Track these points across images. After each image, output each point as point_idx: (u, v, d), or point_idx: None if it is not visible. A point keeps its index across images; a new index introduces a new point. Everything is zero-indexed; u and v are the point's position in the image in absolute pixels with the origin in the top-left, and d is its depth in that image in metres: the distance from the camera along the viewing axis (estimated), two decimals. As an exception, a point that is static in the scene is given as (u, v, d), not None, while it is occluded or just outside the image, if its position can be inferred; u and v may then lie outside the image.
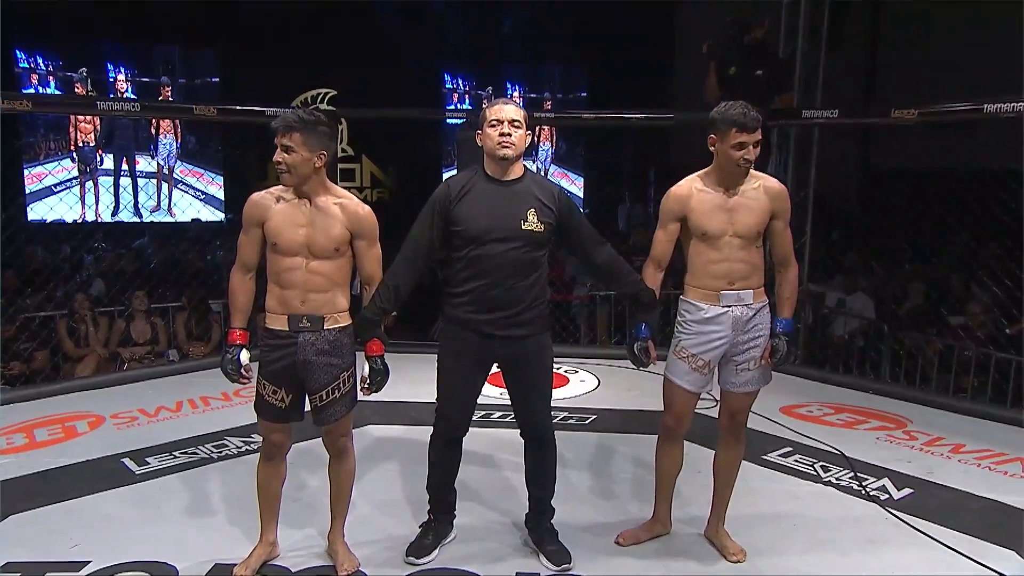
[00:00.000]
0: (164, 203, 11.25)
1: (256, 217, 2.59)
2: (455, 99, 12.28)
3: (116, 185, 10.93)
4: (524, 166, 2.72)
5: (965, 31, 8.13)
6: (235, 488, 3.33)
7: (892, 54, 9.62)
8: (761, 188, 2.72)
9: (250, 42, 10.37)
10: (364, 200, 2.68)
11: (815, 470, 3.69)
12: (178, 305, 6.19)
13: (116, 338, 5.92)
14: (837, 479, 3.59)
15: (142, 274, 6.51)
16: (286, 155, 2.50)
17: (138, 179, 11.10)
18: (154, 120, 10.82)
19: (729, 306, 2.72)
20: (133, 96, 10.52)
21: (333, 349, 2.59)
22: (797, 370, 5.31)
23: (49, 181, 10.50)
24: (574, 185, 12.76)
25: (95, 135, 10.76)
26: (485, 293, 2.63)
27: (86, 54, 10.58)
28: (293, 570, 2.76)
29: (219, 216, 11.36)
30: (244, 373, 2.65)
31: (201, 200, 11.42)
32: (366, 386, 2.67)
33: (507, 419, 3.85)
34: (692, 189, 2.75)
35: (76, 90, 10.36)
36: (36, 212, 10.34)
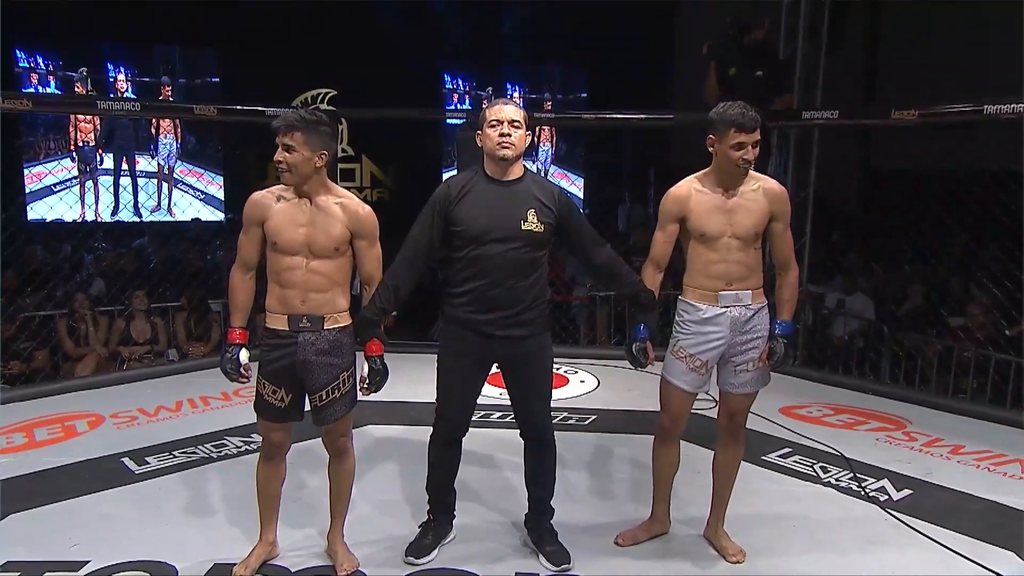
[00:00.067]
0: (164, 203, 11.26)
1: (256, 216, 2.59)
2: (455, 99, 12.29)
3: (116, 185, 10.94)
4: (524, 166, 2.72)
5: (965, 31, 8.13)
6: (235, 488, 3.33)
7: (892, 54, 9.62)
8: (760, 190, 2.72)
9: (250, 42, 10.38)
10: (364, 200, 2.68)
11: (815, 471, 3.69)
12: (178, 305, 6.19)
13: (116, 338, 5.92)
14: (836, 480, 3.59)
15: (142, 274, 6.51)
16: (287, 154, 2.50)
17: (138, 179, 11.10)
18: (154, 120, 10.83)
19: (727, 307, 2.72)
20: (133, 96, 10.52)
21: (333, 349, 2.59)
22: (797, 371, 5.31)
23: (49, 181, 10.51)
24: (574, 186, 12.76)
25: (95, 135, 10.76)
26: (485, 293, 2.63)
27: (86, 54, 10.58)
28: (292, 570, 2.76)
29: (219, 216, 11.36)
30: (243, 372, 2.65)
31: (201, 200, 11.42)
32: (365, 386, 2.67)
33: (507, 419, 3.85)
34: (691, 190, 2.75)
35: (76, 90, 10.36)
36: (36, 212, 10.35)
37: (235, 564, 2.70)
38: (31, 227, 9.62)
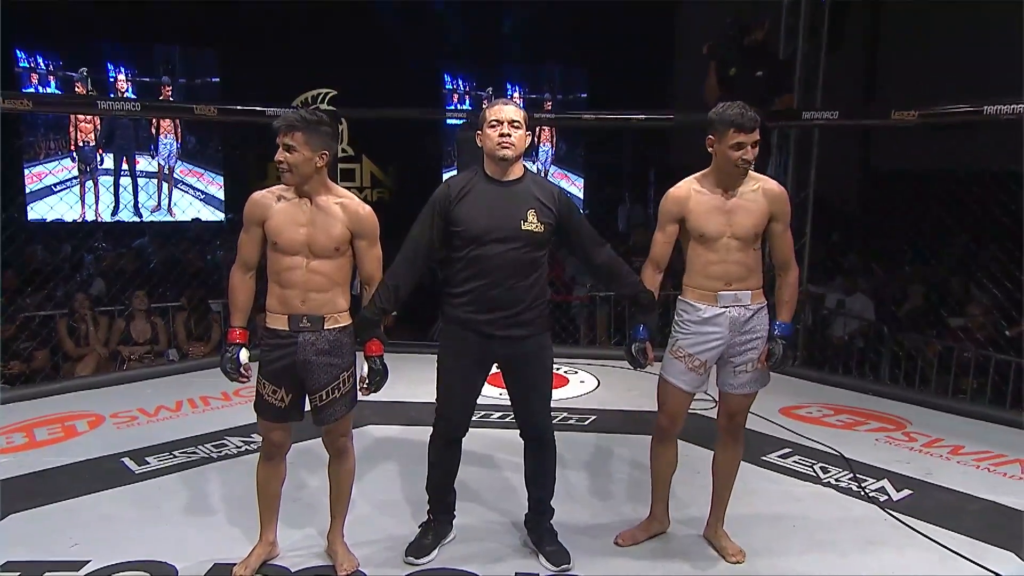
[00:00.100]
0: (164, 203, 11.26)
1: (257, 216, 2.60)
2: (455, 99, 12.29)
3: (116, 185, 10.94)
4: (524, 166, 2.72)
5: (965, 31, 8.13)
6: (235, 488, 3.33)
7: (892, 54, 9.62)
8: (760, 190, 2.72)
9: (250, 42, 10.38)
10: (364, 200, 2.68)
11: (814, 471, 3.70)
12: (178, 305, 6.19)
13: (116, 338, 5.93)
14: (836, 480, 3.59)
15: (142, 274, 6.51)
16: (288, 154, 2.50)
17: (138, 179, 11.11)
18: (154, 120, 10.83)
19: (726, 307, 2.72)
20: (133, 96, 10.52)
21: (333, 349, 2.59)
22: (797, 371, 5.31)
23: (49, 180, 10.51)
24: (574, 186, 12.77)
25: (95, 135, 10.76)
26: (485, 293, 2.63)
27: (86, 54, 10.59)
28: (292, 570, 2.76)
29: (219, 216, 11.36)
30: (243, 372, 2.65)
31: (201, 200, 11.43)
32: (365, 386, 2.68)
33: (507, 419, 3.85)
34: (690, 191, 2.75)
35: (76, 90, 10.36)
36: (36, 211, 10.35)
37: (235, 564, 2.70)
38: (31, 227, 9.62)
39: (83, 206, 10.67)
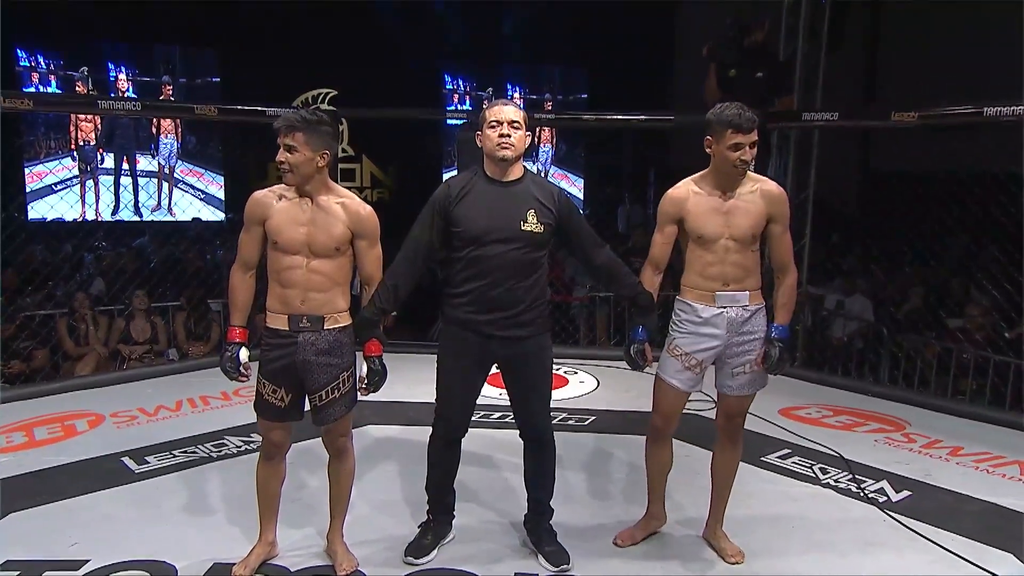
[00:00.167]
0: (164, 202, 11.27)
1: (257, 215, 2.60)
2: (455, 100, 12.30)
3: (116, 184, 10.94)
4: (524, 167, 2.72)
5: (965, 31, 8.13)
6: (234, 487, 3.33)
7: (892, 54, 9.62)
8: (758, 191, 2.72)
9: (250, 42, 10.39)
10: (364, 200, 2.68)
11: (813, 472, 3.70)
12: (178, 304, 6.20)
13: (116, 337, 5.93)
14: (835, 481, 3.59)
15: (142, 273, 6.51)
16: (289, 155, 2.50)
17: (139, 178, 11.11)
18: (155, 120, 10.83)
19: (724, 307, 2.72)
20: (134, 95, 10.53)
21: (333, 349, 2.60)
22: (796, 372, 5.31)
23: (50, 180, 10.52)
24: (574, 187, 12.77)
25: (96, 134, 10.77)
26: (485, 294, 2.63)
27: (87, 53, 10.59)
28: (292, 569, 2.76)
29: (219, 216, 11.37)
30: (243, 371, 2.66)
31: (201, 200, 11.43)
32: (364, 386, 2.68)
33: (506, 420, 3.85)
34: (689, 192, 2.75)
35: (77, 89, 10.36)
36: (36, 211, 10.35)
37: (234, 564, 2.71)
38: (31, 226, 9.62)
39: (83, 205, 10.68)
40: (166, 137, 11.16)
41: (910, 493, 3.47)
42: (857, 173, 10.13)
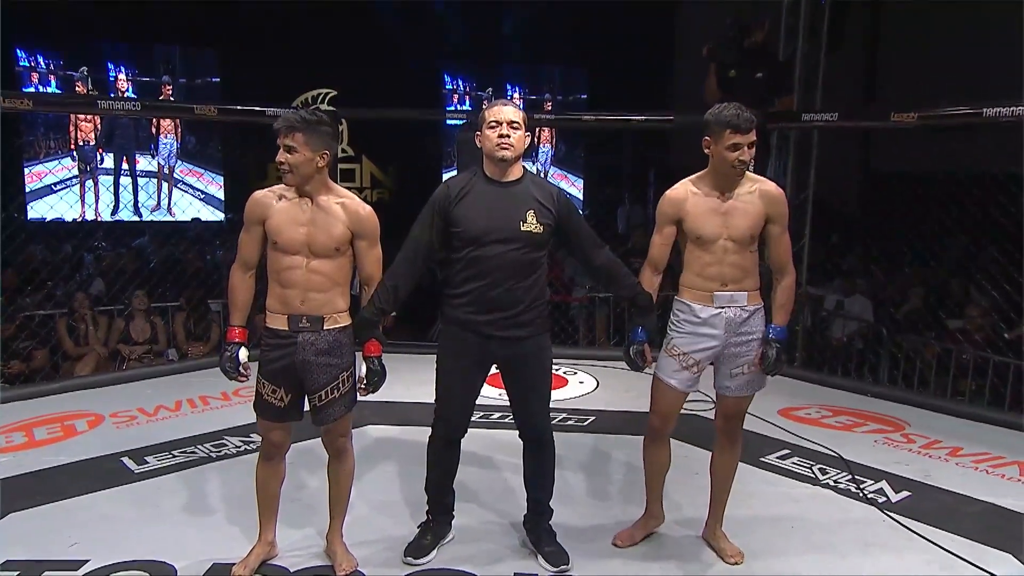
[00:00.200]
0: (164, 203, 11.27)
1: (257, 215, 2.60)
2: (455, 100, 12.30)
3: (116, 184, 10.95)
4: (523, 167, 2.72)
5: (965, 32, 8.13)
6: (234, 488, 3.33)
7: (892, 55, 9.62)
8: (757, 192, 2.72)
9: (250, 42, 10.39)
10: (364, 200, 2.68)
11: (813, 472, 3.70)
12: (177, 305, 6.20)
13: (116, 337, 5.93)
14: (835, 481, 3.59)
15: (142, 273, 6.51)
16: (289, 155, 2.51)
17: (138, 178, 11.11)
18: (154, 120, 10.83)
19: (722, 307, 2.72)
20: (134, 96, 10.53)
21: (332, 349, 2.60)
22: (795, 372, 5.32)
23: (49, 180, 10.52)
24: (574, 187, 12.77)
25: (95, 134, 10.77)
26: (484, 294, 2.64)
27: (87, 53, 10.59)
28: (291, 570, 2.76)
29: (219, 216, 11.37)
30: (242, 371, 2.66)
31: (201, 200, 11.44)
32: (363, 387, 2.68)
33: (506, 420, 3.85)
34: (687, 192, 2.75)
35: (77, 89, 10.36)
36: (36, 211, 10.35)
37: (234, 564, 2.71)
38: (31, 226, 9.62)
39: (83, 205, 10.68)
40: (166, 137, 11.16)
41: (909, 493, 3.47)
42: (857, 173, 10.13)
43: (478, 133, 2.67)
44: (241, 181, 10.75)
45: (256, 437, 3.62)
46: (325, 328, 2.58)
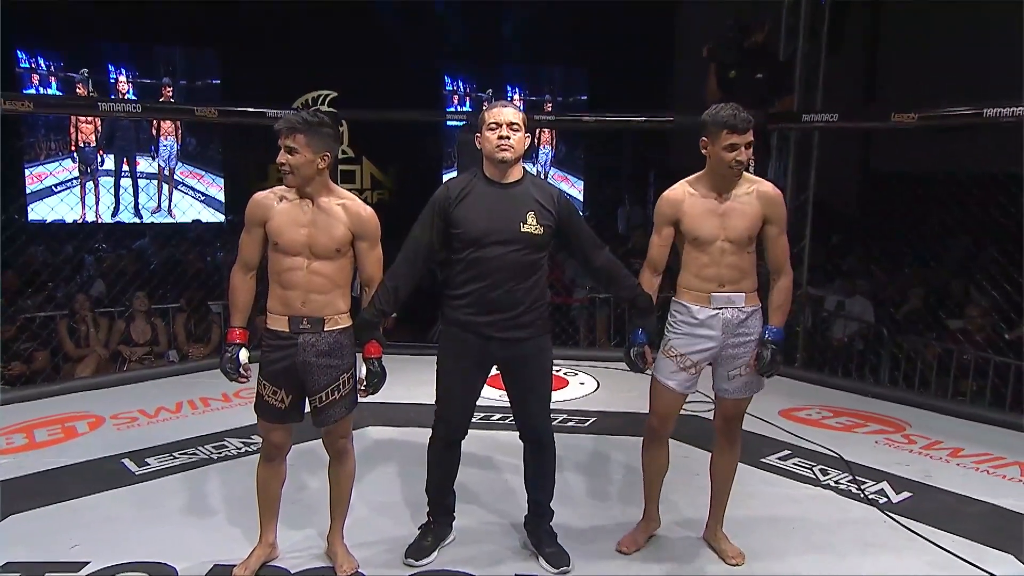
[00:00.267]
0: (164, 204, 11.27)
1: (258, 216, 2.60)
2: (455, 101, 12.30)
3: (117, 186, 10.95)
4: (523, 169, 2.72)
5: (965, 31, 8.13)
6: (235, 489, 3.33)
7: (892, 55, 9.62)
8: (755, 193, 2.72)
9: (250, 42, 10.39)
10: (364, 201, 2.68)
11: (814, 473, 3.70)
12: (178, 306, 6.20)
13: (116, 339, 5.94)
14: (836, 482, 3.59)
15: (142, 275, 6.52)
16: (290, 156, 2.51)
17: (139, 180, 11.11)
18: (155, 121, 10.84)
19: (720, 308, 2.72)
20: (134, 97, 10.53)
21: (333, 351, 2.60)
22: (796, 373, 5.32)
23: (50, 181, 10.52)
24: (574, 188, 12.77)
25: (96, 136, 10.77)
26: (485, 295, 2.64)
27: (87, 54, 10.60)
28: (292, 571, 2.76)
29: (219, 218, 11.37)
30: (243, 372, 2.66)
31: (201, 201, 11.44)
32: (363, 388, 2.68)
33: (506, 421, 3.86)
34: (685, 193, 2.75)
35: (77, 91, 10.37)
36: (37, 212, 10.35)
37: (235, 565, 2.71)
38: (32, 228, 9.62)
39: (83, 207, 10.69)
40: (166, 139, 11.17)
41: (910, 494, 3.47)
42: (857, 174, 10.13)
43: (478, 134, 2.67)
44: (241, 183, 10.75)
45: (257, 438, 3.62)
46: (326, 329, 2.58)
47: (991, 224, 5.39)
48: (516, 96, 12.48)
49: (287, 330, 2.58)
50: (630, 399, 4.70)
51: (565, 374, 5.30)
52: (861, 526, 3.17)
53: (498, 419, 4.19)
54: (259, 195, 2.63)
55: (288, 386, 2.61)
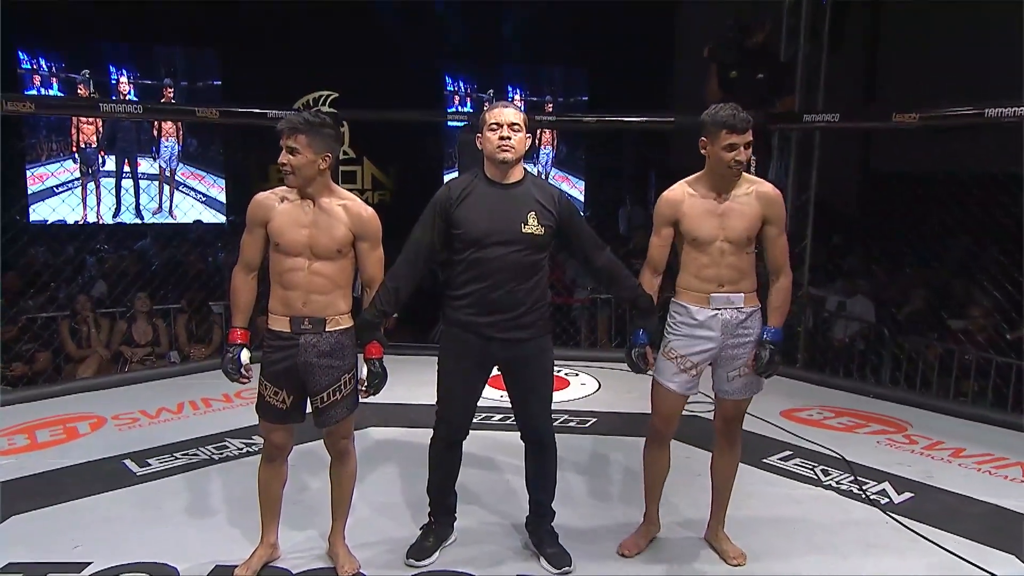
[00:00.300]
0: (165, 205, 11.27)
1: (260, 217, 2.61)
2: (456, 101, 12.29)
3: (118, 187, 10.94)
4: (524, 169, 2.72)
5: (965, 31, 8.12)
6: (236, 489, 3.33)
7: (892, 55, 9.61)
8: (754, 193, 2.72)
9: (251, 42, 10.39)
10: (365, 202, 2.69)
11: (815, 474, 3.70)
12: (179, 307, 6.21)
13: (118, 339, 5.94)
14: (837, 483, 3.59)
15: (144, 276, 6.52)
16: (291, 157, 2.51)
17: (140, 181, 11.11)
18: (156, 122, 10.84)
19: (719, 308, 2.71)
20: (135, 98, 10.53)
21: (334, 351, 2.60)
22: (797, 373, 5.32)
23: (51, 182, 10.52)
24: (575, 189, 12.75)
25: (97, 137, 10.77)
26: (486, 296, 2.64)
27: (87, 54, 10.59)
28: (294, 572, 2.76)
29: (221, 218, 11.36)
30: (244, 372, 2.66)
31: (203, 202, 11.44)
32: (364, 388, 2.68)
33: (507, 422, 3.86)
34: (684, 194, 2.75)
35: (79, 92, 10.37)
36: (38, 213, 10.35)
37: (236, 566, 2.71)
38: (33, 229, 9.63)
39: (85, 208, 10.68)
40: (167, 140, 11.16)
41: (912, 495, 3.47)
42: (858, 174, 10.12)
43: (479, 135, 2.68)
44: (243, 183, 10.73)
45: (258, 439, 3.62)
46: (327, 330, 2.59)
47: (992, 224, 5.38)
48: (517, 96, 12.47)
49: (288, 331, 2.58)
50: (631, 400, 4.70)
51: (566, 375, 5.30)
52: (863, 527, 3.17)
53: (499, 420, 4.19)
54: (260, 196, 2.63)
55: (289, 387, 2.61)
